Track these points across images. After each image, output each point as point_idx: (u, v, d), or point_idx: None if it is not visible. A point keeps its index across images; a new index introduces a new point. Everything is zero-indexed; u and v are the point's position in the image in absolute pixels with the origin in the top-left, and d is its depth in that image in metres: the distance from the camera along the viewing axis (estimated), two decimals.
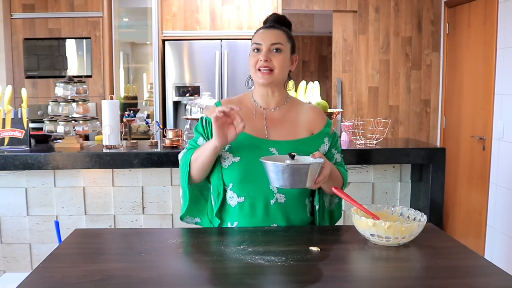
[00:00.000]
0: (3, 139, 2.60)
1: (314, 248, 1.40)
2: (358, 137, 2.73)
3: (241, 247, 1.43)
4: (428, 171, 2.61)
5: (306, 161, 1.51)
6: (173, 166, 2.52)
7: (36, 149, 2.57)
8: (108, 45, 4.37)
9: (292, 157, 1.48)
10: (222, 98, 3.63)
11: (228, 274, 1.28)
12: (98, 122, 2.78)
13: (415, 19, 4.58)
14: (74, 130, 2.65)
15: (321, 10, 4.68)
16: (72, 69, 4.36)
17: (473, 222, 3.85)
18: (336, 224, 1.82)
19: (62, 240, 1.57)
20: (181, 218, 1.78)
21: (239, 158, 1.63)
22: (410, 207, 1.67)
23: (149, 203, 2.67)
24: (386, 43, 4.59)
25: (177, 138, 2.63)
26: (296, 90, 3.00)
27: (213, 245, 1.51)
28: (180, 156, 1.73)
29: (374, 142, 2.71)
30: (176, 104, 4.44)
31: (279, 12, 4.23)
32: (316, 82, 3.07)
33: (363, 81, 4.63)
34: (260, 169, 1.52)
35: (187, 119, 2.73)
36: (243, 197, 1.64)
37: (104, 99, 3.40)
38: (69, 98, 2.68)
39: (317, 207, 1.70)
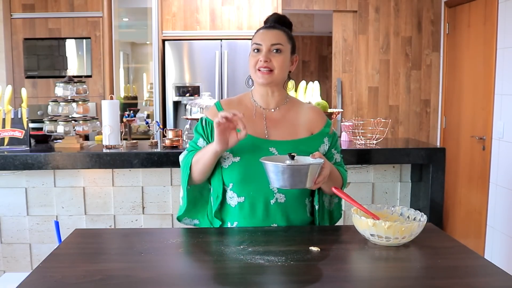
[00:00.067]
0: (3, 139, 2.60)
1: (314, 248, 1.40)
2: (358, 137, 2.73)
3: (241, 247, 1.43)
4: (428, 171, 2.61)
5: (306, 162, 1.51)
6: (173, 166, 2.52)
7: (36, 149, 2.57)
8: (108, 45, 4.37)
9: (292, 157, 1.48)
10: (222, 98, 3.63)
11: (228, 274, 1.28)
12: (98, 122, 2.78)
13: (415, 19, 4.58)
14: (74, 130, 2.65)
15: (321, 10, 4.68)
16: (72, 69, 4.36)
17: (473, 222, 3.85)
18: (336, 224, 1.82)
19: (62, 240, 1.57)
20: (179, 219, 1.78)
21: (239, 158, 1.63)
22: (410, 207, 1.67)
23: (149, 203, 2.67)
24: (386, 43, 4.59)
25: (177, 138, 2.63)
26: (296, 90, 3.00)
27: (213, 245, 1.51)
28: (181, 158, 1.73)
29: (374, 142, 2.71)
30: (176, 104, 4.44)
31: (279, 12, 4.23)
32: (316, 82, 3.07)
33: (363, 81, 4.63)
34: (260, 169, 1.52)
35: (187, 119, 2.73)
36: (243, 197, 1.64)
37: (104, 99, 3.40)
38: (69, 98, 2.68)
39: (316, 207, 1.70)
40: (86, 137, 3.50)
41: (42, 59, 4.32)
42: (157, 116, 4.38)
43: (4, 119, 2.61)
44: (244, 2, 4.38)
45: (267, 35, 1.66)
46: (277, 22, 1.72)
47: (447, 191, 3.96)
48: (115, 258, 1.41)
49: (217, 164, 1.66)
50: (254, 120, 1.70)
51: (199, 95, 4.24)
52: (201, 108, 2.73)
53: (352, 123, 2.82)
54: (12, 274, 2.55)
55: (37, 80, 4.33)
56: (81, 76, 4.25)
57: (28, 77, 4.32)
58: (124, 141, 2.70)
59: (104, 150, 2.54)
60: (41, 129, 2.79)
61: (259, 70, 1.65)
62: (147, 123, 2.88)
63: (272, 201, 1.64)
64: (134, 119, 2.78)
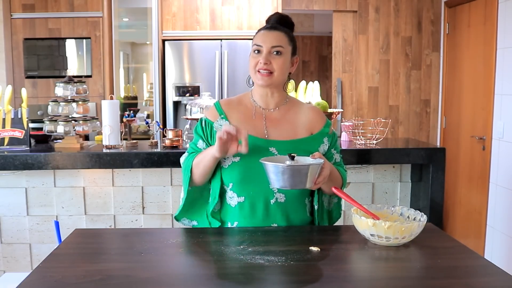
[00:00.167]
0: (3, 139, 2.60)
1: (314, 248, 1.40)
2: (358, 137, 2.73)
3: (241, 247, 1.43)
4: (428, 171, 2.61)
5: (306, 162, 1.52)
6: (173, 166, 2.52)
7: (36, 149, 2.57)
8: (108, 45, 4.37)
9: (292, 158, 1.48)
10: (222, 98, 3.63)
11: (228, 274, 1.28)
12: (98, 122, 2.78)
13: (415, 19, 4.58)
14: (74, 130, 2.65)
15: (321, 10, 4.68)
16: (72, 69, 4.36)
17: (473, 222, 3.85)
18: (336, 224, 1.82)
19: (62, 240, 1.57)
20: (177, 219, 1.78)
21: (239, 158, 1.63)
22: (410, 207, 1.67)
23: (149, 203, 2.67)
24: (386, 43, 4.59)
25: (177, 138, 2.63)
26: (296, 90, 3.00)
27: (213, 245, 1.51)
28: (181, 160, 1.74)
29: (374, 142, 2.71)
30: (176, 104, 4.44)
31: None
32: (316, 82, 3.07)
33: (363, 81, 4.63)
34: (260, 169, 1.52)
35: (187, 119, 2.73)
36: (243, 197, 1.64)
37: (104, 99, 3.40)
38: (69, 98, 2.68)
39: (316, 207, 1.70)
40: (86, 137, 3.50)
41: (42, 59, 4.32)
42: (157, 116, 4.38)
43: (4, 119, 2.61)
44: (244, 2, 4.38)
45: (268, 36, 1.65)
46: (279, 22, 1.71)
47: (447, 191, 3.96)
48: (115, 258, 1.41)
49: (217, 165, 1.66)
50: (254, 120, 1.70)
51: (199, 95, 4.24)
52: (201, 108, 2.73)
53: (352, 123, 2.82)
54: (12, 274, 2.55)
55: (37, 80, 4.33)
56: (81, 76, 4.25)
57: (28, 77, 4.32)
58: (124, 141, 2.70)
59: (104, 150, 2.54)
60: (41, 129, 2.79)
61: (259, 72, 1.65)
62: (147, 123, 2.88)
63: (272, 201, 1.64)
64: (134, 119, 2.78)
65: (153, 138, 3.06)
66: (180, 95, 4.39)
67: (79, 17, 4.28)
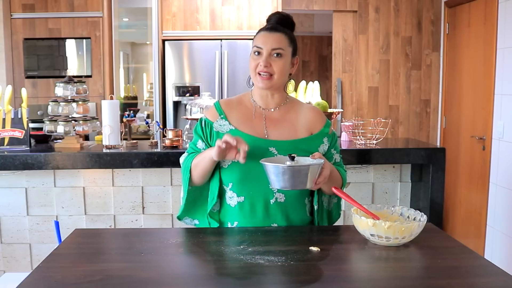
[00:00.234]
0: (3, 139, 2.60)
1: (314, 248, 1.40)
2: (358, 137, 2.73)
3: (241, 247, 1.43)
4: (428, 171, 2.61)
5: (306, 162, 1.52)
6: (173, 166, 2.52)
7: (36, 149, 2.57)
8: (108, 45, 4.37)
9: (292, 158, 1.49)
10: (222, 98, 3.63)
11: (228, 274, 1.28)
12: (98, 122, 2.78)
13: (415, 19, 4.58)
14: (74, 130, 2.65)
15: (321, 10, 4.68)
16: (72, 69, 4.36)
17: (473, 222, 3.85)
18: (336, 224, 1.82)
19: (62, 240, 1.57)
20: (179, 218, 1.78)
21: None
22: (410, 207, 1.67)
23: (149, 203, 2.67)
24: (386, 43, 4.59)
25: (177, 138, 2.63)
26: (296, 90, 3.00)
27: (213, 245, 1.51)
28: (181, 160, 1.74)
29: (374, 142, 2.71)
30: (176, 104, 4.44)
31: None
32: (316, 82, 3.07)
33: (363, 81, 4.63)
34: (259, 169, 1.52)
35: (187, 119, 2.73)
36: (243, 197, 1.64)
37: (104, 99, 3.40)
38: (69, 98, 2.68)
39: (315, 207, 1.70)
40: (86, 137, 3.50)
41: (42, 59, 4.32)
42: (157, 116, 4.38)
43: (4, 119, 2.61)
44: (244, 2, 4.38)
45: (268, 38, 1.64)
46: (279, 22, 1.69)
47: (447, 191, 3.96)
48: (115, 258, 1.41)
49: (216, 166, 1.66)
50: (254, 120, 1.70)
51: (199, 95, 4.24)
52: (201, 108, 2.73)
53: (352, 123, 2.82)
54: (12, 274, 2.55)
55: (37, 80, 4.33)
56: (81, 76, 4.25)
57: (28, 77, 4.32)
58: (124, 141, 2.70)
59: (104, 150, 2.54)
60: (41, 129, 2.79)
61: (259, 74, 1.64)
62: (147, 123, 2.88)
63: (272, 201, 1.64)
64: (134, 119, 2.78)
65: (153, 138, 3.06)
66: (180, 95, 4.39)
67: (79, 17, 4.28)
